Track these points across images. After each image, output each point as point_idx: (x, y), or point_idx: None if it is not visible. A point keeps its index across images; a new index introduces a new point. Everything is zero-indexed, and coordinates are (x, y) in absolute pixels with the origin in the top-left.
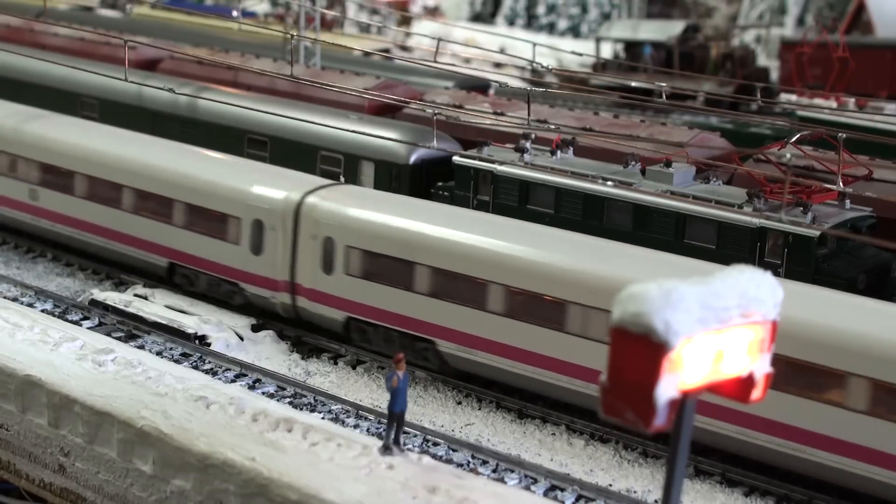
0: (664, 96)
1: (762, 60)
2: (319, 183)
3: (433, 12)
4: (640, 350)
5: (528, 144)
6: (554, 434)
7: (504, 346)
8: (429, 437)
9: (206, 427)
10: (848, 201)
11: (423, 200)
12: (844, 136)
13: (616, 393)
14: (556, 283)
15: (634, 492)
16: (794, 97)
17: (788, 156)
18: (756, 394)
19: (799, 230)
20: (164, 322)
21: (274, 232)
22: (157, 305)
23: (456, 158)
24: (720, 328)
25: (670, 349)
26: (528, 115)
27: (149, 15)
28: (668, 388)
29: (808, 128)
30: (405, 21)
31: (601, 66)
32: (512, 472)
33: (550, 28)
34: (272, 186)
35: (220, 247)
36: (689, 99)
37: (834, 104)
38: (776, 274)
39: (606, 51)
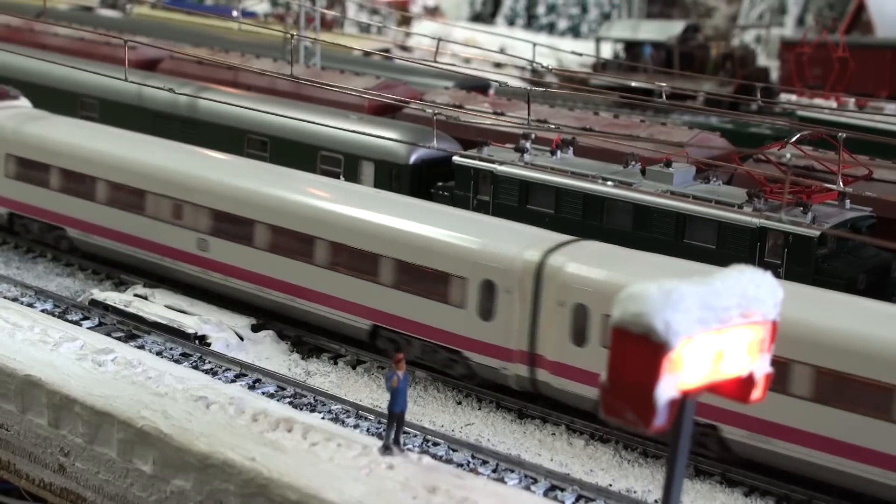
0: (664, 96)
1: (762, 60)
2: (560, 239)
3: (433, 12)
4: (641, 350)
5: (528, 144)
6: (554, 434)
7: (810, 436)
8: (429, 437)
9: (206, 427)
10: (848, 201)
11: (695, 263)
12: (844, 135)
13: (616, 393)
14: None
15: (634, 492)
16: (794, 97)
17: (788, 156)
18: (756, 394)
19: (799, 230)
20: (164, 322)
21: (509, 295)
22: (157, 305)
23: (456, 158)
24: (720, 328)
25: (670, 349)
26: (528, 114)
27: (149, 15)
28: (668, 388)
29: (808, 128)
30: (405, 21)
31: (601, 66)
32: (512, 472)
33: (550, 28)
34: (506, 242)
35: (439, 310)
36: (689, 99)
37: (834, 104)
38: (776, 274)
39: (606, 51)
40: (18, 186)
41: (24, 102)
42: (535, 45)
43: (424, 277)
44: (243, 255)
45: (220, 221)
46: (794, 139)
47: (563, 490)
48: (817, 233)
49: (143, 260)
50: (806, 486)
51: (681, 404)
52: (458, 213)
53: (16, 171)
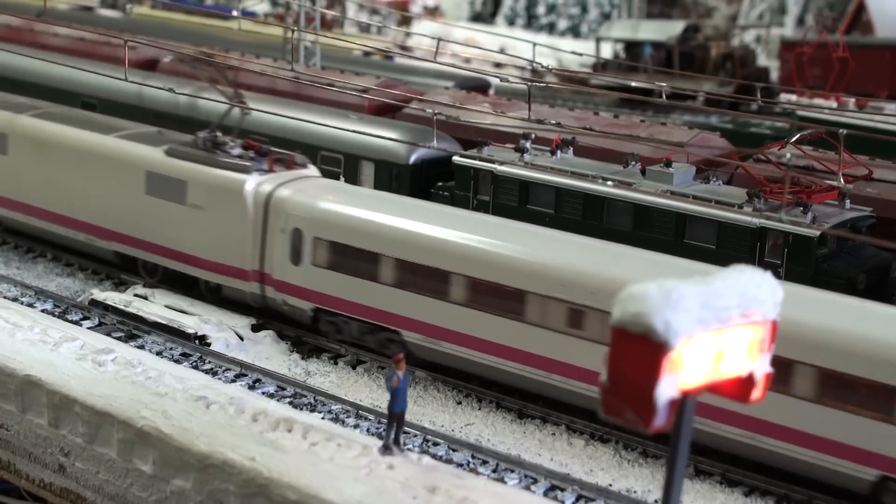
0: (664, 96)
1: (762, 60)
2: None
3: (433, 12)
4: (640, 350)
5: (528, 144)
6: (554, 434)
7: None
8: (429, 437)
9: (206, 427)
10: (848, 201)
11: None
12: (845, 132)
13: (616, 393)
14: None
15: (634, 492)
16: (794, 97)
17: (788, 155)
18: (756, 394)
19: (799, 230)
20: (164, 322)
21: None
22: (157, 305)
23: (456, 158)
24: (720, 328)
25: (670, 349)
26: (529, 111)
27: (149, 15)
28: (668, 388)
29: (809, 127)
30: (405, 21)
31: (601, 66)
32: (512, 472)
33: (550, 28)
34: None
35: None
36: (689, 99)
37: (834, 104)
38: (776, 274)
39: (606, 51)
40: (329, 277)
41: (312, 171)
42: (534, 45)
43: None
44: None
45: None
46: (794, 139)
47: (563, 490)
48: (817, 233)
49: (521, 376)
50: (806, 486)
51: (681, 404)
52: None
53: (326, 259)
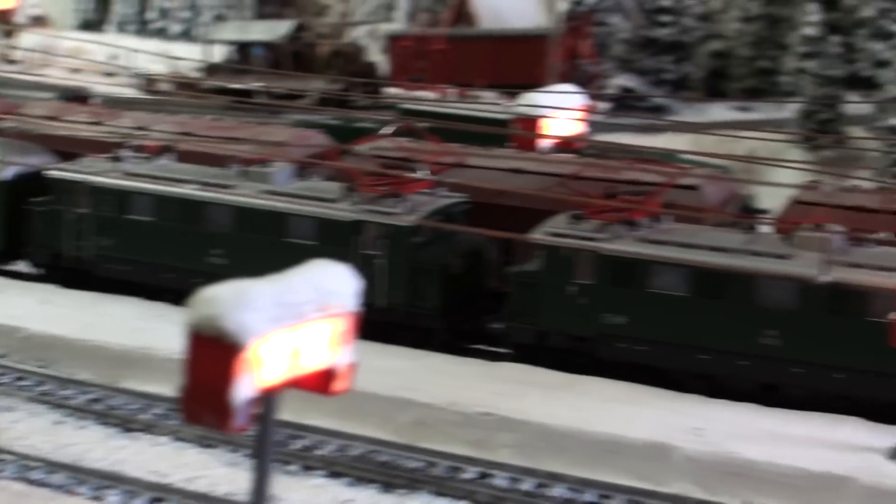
0: (266, 97)
1: (375, 56)
2: None
3: (39, 22)
4: (214, 353)
5: (125, 153)
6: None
7: None
8: None
9: None
10: (442, 189)
11: None
12: (427, 125)
13: (194, 397)
14: None
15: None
16: (402, 90)
17: (367, 148)
18: (339, 385)
19: (392, 221)
20: None
21: None
22: None
23: (49, 172)
24: (296, 324)
25: (243, 349)
26: (125, 125)
27: None
28: (245, 388)
29: (407, 120)
30: (9, 33)
31: (210, 69)
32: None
33: (162, 33)
34: None
35: None
36: (297, 98)
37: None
38: (376, 265)
39: (220, 54)
40: None
41: None
42: (135, 50)
43: None
44: None
45: None
46: (388, 132)
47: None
48: (410, 222)
49: None
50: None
51: (264, 402)
52: None
53: None
